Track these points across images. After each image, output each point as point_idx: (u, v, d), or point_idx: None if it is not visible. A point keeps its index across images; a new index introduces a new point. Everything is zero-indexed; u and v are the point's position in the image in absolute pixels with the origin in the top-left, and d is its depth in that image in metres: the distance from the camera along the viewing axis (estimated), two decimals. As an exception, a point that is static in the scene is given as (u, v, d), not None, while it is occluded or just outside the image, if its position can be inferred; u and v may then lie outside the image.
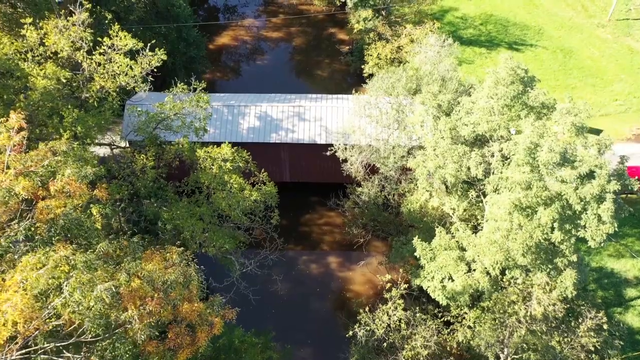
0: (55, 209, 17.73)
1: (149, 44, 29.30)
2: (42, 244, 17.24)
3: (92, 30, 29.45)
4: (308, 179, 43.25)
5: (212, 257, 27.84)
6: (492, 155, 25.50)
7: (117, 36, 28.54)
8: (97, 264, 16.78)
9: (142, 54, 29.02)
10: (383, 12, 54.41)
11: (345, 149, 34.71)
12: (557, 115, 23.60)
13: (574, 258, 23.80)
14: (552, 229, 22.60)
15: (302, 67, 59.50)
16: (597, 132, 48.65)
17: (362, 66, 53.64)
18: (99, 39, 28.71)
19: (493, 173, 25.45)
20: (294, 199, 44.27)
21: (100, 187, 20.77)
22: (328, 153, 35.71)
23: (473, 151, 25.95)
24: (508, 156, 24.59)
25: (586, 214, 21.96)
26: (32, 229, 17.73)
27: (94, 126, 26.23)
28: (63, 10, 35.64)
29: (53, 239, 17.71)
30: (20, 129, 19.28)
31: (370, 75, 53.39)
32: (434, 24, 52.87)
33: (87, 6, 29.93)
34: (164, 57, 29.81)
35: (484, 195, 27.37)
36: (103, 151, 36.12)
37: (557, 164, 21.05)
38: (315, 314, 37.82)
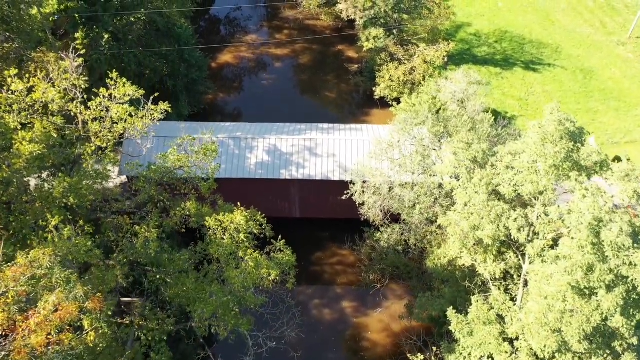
0: (36, 347, 14.92)
1: (151, 97, 26.39)
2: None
3: (86, 78, 26.55)
4: (319, 215, 40.58)
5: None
6: (537, 217, 22.82)
7: (115, 84, 25.67)
8: None
9: (143, 106, 26.19)
10: (394, 31, 51.67)
11: (363, 192, 31.99)
12: (615, 179, 20.96)
13: (634, 341, 21.22)
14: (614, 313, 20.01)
15: (309, 87, 56.73)
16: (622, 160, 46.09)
17: (373, 88, 50.97)
18: (94, 90, 25.80)
19: (537, 236, 22.79)
20: (303, 235, 41.58)
21: (93, 298, 18.00)
22: (344, 197, 32.98)
23: (513, 210, 23.29)
24: (555, 219, 21.91)
25: (654, 298, 19.38)
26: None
27: (89, 195, 23.36)
28: (58, 42, 32.75)
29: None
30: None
31: (382, 98, 50.87)
32: (448, 44, 50.23)
33: (82, 52, 27.03)
34: (169, 109, 27.05)
35: (523, 255, 24.75)
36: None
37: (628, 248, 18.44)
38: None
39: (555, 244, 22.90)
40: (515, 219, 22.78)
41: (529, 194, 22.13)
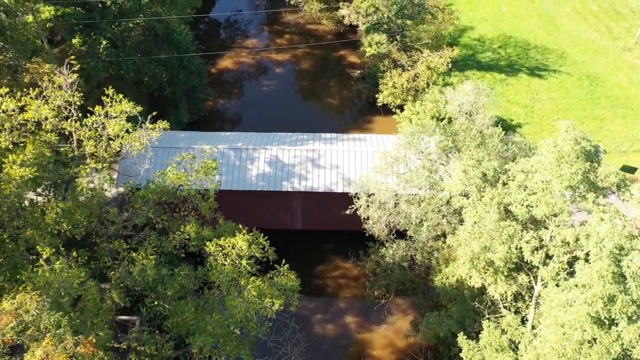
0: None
1: (149, 116, 25.39)
2: None
3: (81, 94, 25.55)
4: (322, 227, 39.66)
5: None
6: (550, 239, 21.94)
7: (112, 101, 24.64)
8: None
9: (141, 124, 25.19)
10: (397, 37, 50.74)
11: (368, 206, 31.07)
12: (635, 202, 20.09)
13: (654, 370, 20.38)
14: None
15: (310, 93, 55.82)
16: (631, 170, 45.24)
17: (376, 95, 50.01)
18: (89, 108, 24.80)
19: (552, 259, 21.91)
20: (305, 247, 40.73)
21: (85, 343, 17.07)
22: (348, 212, 32.09)
23: (525, 231, 22.42)
24: (571, 242, 21.02)
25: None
26: None
27: (84, 220, 22.37)
28: (54, 49, 31.68)
29: None
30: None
31: (385, 105, 49.90)
32: (452, 50, 49.25)
33: (76, 67, 26.02)
34: (167, 127, 26.09)
35: (535, 276, 23.86)
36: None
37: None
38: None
39: (570, 266, 22.05)
40: (529, 240, 21.92)
41: (544, 215, 21.26)
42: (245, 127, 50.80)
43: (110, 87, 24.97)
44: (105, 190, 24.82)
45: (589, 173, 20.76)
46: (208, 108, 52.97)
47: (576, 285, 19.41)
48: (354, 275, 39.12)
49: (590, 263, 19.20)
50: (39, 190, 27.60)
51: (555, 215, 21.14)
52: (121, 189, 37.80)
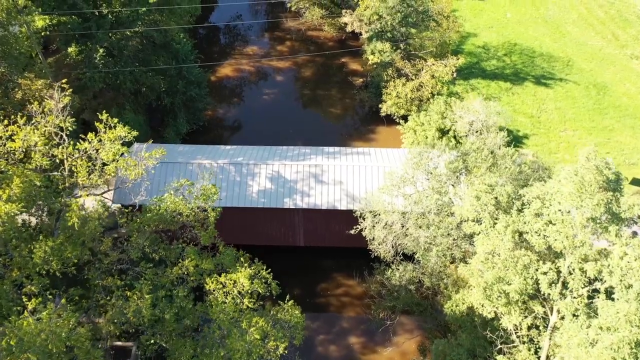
0: None
1: (145, 144, 24.23)
2: None
3: (73, 119, 24.31)
4: (324, 244, 38.53)
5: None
6: (569, 271, 20.85)
7: (105, 127, 23.40)
8: None
9: (137, 149, 24.02)
10: (401, 45, 49.61)
11: (374, 227, 29.95)
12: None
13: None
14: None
15: (312, 101, 54.68)
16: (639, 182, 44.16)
17: (380, 105, 48.86)
18: (81, 135, 23.56)
19: (569, 290, 20.84)
20: (306, 264, 39.64)
21: None
22: (353, 231, 31.00)
23: (542, 261, 21.33)
24: (592, 276, 19.94)
25: None
26: None
27: (75, 258, 21.13)
28: (49, 59, 30.47)
29: None
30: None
31: (388, 115, 48.81)
32: (457, 59, 48.13)
33: (68, 92, 24.75)
34: (164, 153, 24.90)
35: (551, 308, 22.78)
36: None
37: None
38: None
39: (589, 298, 20.98)
40: (546, 272, 20.83)
41: (563, 248, 20.17)
42: (245, 136, 49.74)
43: (105, 112, 23.62)
44: (99, 218, 23.57)
45: (611, 204, 19.68)
46: (207, 117, 51.78)
47: (600, 328, 18.34)
48: (358, 294, 38.01)
49: (613, 300, 18.15)
50: (32, 210, 26.47)
51: (575, 248, 20.07)
52: (114, 207, 36.56)
